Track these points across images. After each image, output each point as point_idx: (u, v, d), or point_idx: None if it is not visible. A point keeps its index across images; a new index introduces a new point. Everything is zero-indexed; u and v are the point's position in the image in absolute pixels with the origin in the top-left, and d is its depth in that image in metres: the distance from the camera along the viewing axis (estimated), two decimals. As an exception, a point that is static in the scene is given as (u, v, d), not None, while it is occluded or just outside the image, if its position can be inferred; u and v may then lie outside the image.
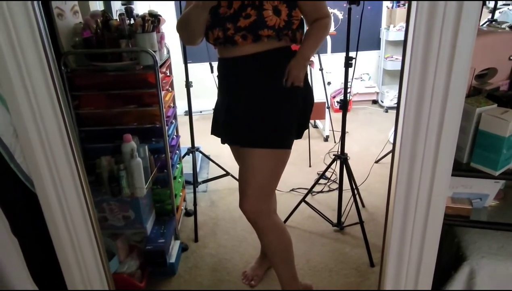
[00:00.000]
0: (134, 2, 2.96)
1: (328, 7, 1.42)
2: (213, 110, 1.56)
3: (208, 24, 1.31)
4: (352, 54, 1.85)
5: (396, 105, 3.69)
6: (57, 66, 1.65)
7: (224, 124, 1.43)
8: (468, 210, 1.06)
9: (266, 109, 1.33)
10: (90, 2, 2.10)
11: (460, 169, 1.02)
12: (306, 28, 1.38)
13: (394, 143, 0.92)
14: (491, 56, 1.06)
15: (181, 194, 2.28)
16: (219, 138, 1.54)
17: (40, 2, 0.75)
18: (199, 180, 2.71)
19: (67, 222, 0.82)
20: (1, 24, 0.66)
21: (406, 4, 4.09)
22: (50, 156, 0.75)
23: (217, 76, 1.47)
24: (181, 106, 3.38)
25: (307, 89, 1.42)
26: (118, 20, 1.77)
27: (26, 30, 0.68)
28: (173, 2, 4.15)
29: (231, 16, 1.25)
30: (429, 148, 0.83)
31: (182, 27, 1.38)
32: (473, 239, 1.23)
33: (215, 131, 1.56)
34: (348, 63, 1.84)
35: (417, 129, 0.82)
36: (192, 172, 2.42)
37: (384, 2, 4.22)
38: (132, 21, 1.81)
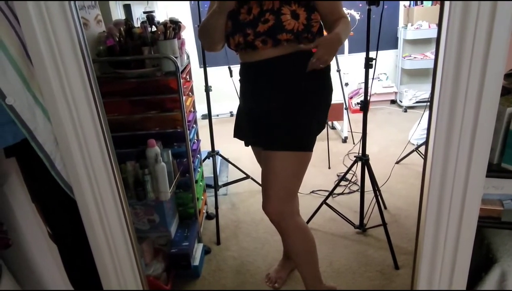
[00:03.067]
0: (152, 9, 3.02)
1: (344, 8, 1.42)
2: (236, 114, 1.58)
3: (229, 30, 1.34)
4: (371, 54, 1.84)
5: (416, 104, 3.60)
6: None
7: (247, 127, 1.46)
8: (499, 211, 1.05)
9: (287, 111, 1.34)
10: (112, 10, 2.15)
11: (491, 170, 1.00)
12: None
13: (426, 144, 0.91)
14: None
15: (202, 197, 2.31)
16: (240, 142, 1.56)
17: (77, 10, 0.78)
18: (219, 183, 2.74)
19: (104, 226, 0.84)
20: (44, 37, 0.69)
21: (424, 3, 4.04)
22: (89, 163, 0.78)
23: (239, 80, 1.50)
24: (199, 110, 3.42)
25: (328, 90, 1.42)
26: (140, 27, 1.81)
27: (67, 41, 0.71)
28: (189, 8, 4.21)
29: (250, 22, 1.28)
30: (463, 149, 0.82)
31: (203, 34, 1.42)
32: (504, 240, 1.20)
33: (237, 134, 1.58)
34: (368, 64, 1.83)
35: (450, 130, 0.81)
36: (212, 176, 2.45)
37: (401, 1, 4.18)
38: (153, 28, 1.84)
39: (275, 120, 1.35)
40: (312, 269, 1.58)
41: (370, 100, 4.25)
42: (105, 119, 0.81)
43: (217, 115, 4.41)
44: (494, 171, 1.01)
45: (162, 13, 3.65)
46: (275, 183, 1.38)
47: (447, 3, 0.75)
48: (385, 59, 4.37)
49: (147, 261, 1.75)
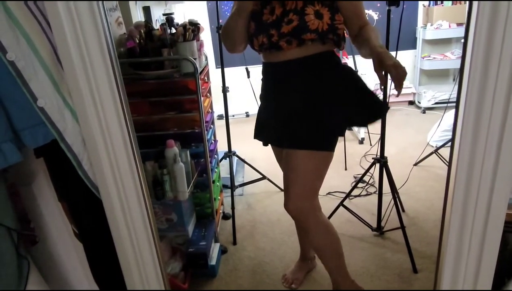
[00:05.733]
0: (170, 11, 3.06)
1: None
2: (257, 115, 1.59)
3: (253, 31, 1.35)
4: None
5: (435, 106, 3.53)
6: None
7: (269, 126, 1.47)
8: (524, 216, 1.02)
9: (310, 111, 1.34)
10: (132, 12, 2.19)
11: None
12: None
13: (452, 147, 0.90)
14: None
15: (219, 197, 2.32)
16: (257, 142, 1.57)
17: (105, 12, 0.80)
18: (236, 183, 2.76)
19: (129, 226, 0.86)
20: (74, 41, 0.71)
21: (444, 2, 3.96)
22: (115, 163, 0.80)
23: (262, 79, 1.49)
24: (215, 110, 3.45)
25: (350, 90, 1.40)
26: (160, 29, 1.84)
27: (95, 44, 0.73)
28: (206, 8, 4.24)
29: (274, 23, 1.28)
30: (490, 151, 0.80)
31: (224, 36, 1.45)
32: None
33: (258, 135, 1.58)
34: (387, 65, 1.80)
35: (477, 132, 0.80)
36: (228, 176, 2.46)
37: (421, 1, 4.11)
38: (173, 30, 1.87)
39: (298, 120, 1.35)
40: (337, 264, 1.58)
41: (388, 101, 4.22)
42: (131, 121, 0.83)
43: (233, 116, 4.44)
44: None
45: (179, 15, 3.70)
46: (296, 181, 1.39)
47: (475, 3, 0.74)
48: (403, 59, 4.31)
49: (165, 260, 1.77)
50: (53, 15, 0.71)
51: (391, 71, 1.09)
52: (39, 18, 0.84)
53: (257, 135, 1.59)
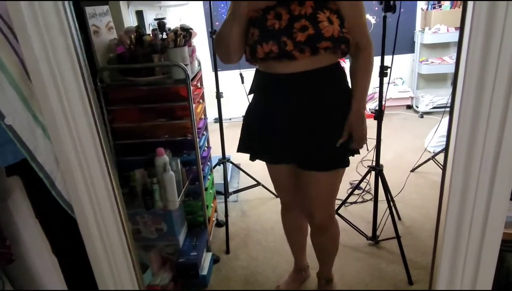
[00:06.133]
0: (165, 15, 3.02)
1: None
2: (244, 127, 1.47)
3: (257, 38, 1.22)
4: (386, 59, 1.78)
5: (433, 110, 3.49)
6: (93, 82, 1.70)
7: (269, 143, 1.37)
8: (521, 234, 0.98)
9: (329, 129, 1.30)
10: (124, 17, 2.15)
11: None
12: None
13: (445, 156, 0.86)
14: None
15: (212, 204, 2.28)
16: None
17: (76, 22, 0.76)
18: (230, 190, 2.72)
19: (106, 247, 0.82)
20: (43, 55, 0.67)
21: (442, 6, 3.93)
22: (90, 183, 0.76)
23: (256, 90, 1.38)
24: (211, 114, 3.40)
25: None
26: (151, 35, 1.80)
27: (66, 59, 0.69)
28: (202, 11, 4.21)
29: (285, 30, 1.17)
30: (487, 161, 0.76)
31: (218, 43, 1.32)
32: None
33: (246, 149, 1.47)
34: (383, 72, 1.77)
35: (473, 140, 0.75)
36: (222, 182, 2.42)
37: (418, 3, 4.08)
38: (165, 35, 1.83)
39: (318, 139, 1.29)
40: (333, 261, 1.74)
41: (385, 105, 4.18)
42: (106, 139, 0.79)
43: (229, 119, 4.40)
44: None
45: (175, 18, 3.66)
46: (322, 197, 1.43)
47: (470, 3, 0.69)
48: (401, 63, 4.28)
49: (154, 271, 1.74)
50: (19, 28, 0.67)
51: (355, 140, 1.30)
52: (5, 31, 0.80)
53: (244, 149, 1.47)
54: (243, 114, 1.47)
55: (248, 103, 1.46)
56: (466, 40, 0.73)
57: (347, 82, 1.35)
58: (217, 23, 3.92)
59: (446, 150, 0.88)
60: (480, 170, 0.79)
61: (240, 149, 1.49)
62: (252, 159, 1.49)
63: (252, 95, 1.44)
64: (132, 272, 0.91)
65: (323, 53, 1.19)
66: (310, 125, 1.28)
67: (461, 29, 0.75)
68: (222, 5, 4.11)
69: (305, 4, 1.17)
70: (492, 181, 0.79)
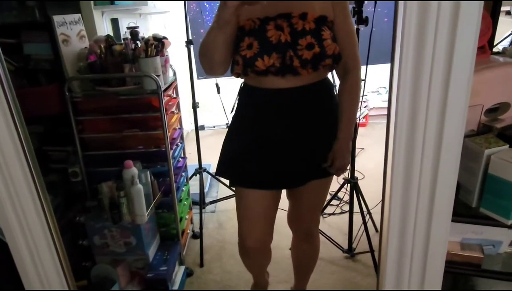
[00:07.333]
0: (147, 22, 2.98)
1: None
2: (226, 149, 1.34)
3: (257, 50, 1.12)
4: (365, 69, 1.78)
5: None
6: (62, 91, 1.65)
7: (261, 164, 1.26)
8: (479, 258, 0.97)
9: (324, 140, 1.29)
10: (99, 25, 2.12)
11: (469, 214, 0.93)
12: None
13: (384, 182, 0.84)
14: (502, 89, 0.97)
15: (187, 216, 2.25)
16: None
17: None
18: (208, 199, 2.69)
19: (39, 273, 0.78)
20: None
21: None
22: (17, 201, 0.72)
23: (246, 107, 1.29)
24: (193, 121, 3.37)
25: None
26: (122, 44, 1.77)
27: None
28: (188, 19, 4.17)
29: (290, 44, 1.11)
30: (424, 192, 0.74)
31: (201, 53, 1.19)
32: (489, 284, 1.12)
33: (225, 173, 1.36)
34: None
35: (411, 151, 0.74)
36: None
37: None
38: (139, 44, 1.80)
39: (314, 148, 1.27)
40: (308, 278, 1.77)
41: (369, 114, 4.19)
42: (34, 160, 0.75)
43: (214, 127, 4.37)
44: (472, 216, 0.93)
45: (159, 26, 3.62)
46: (316, 208, 1.49)
47: (401, 3, 0.65)
48: (384, 72, 4.29)
49: (122, 286, 1.69)
50: None
51: (335, 167, 1.29)
52: None
53: (224, 173, 1.35)
54: (227, 122, 1.43)
55: (230, 122, 1.36)
56: (399, 44, 0.70)
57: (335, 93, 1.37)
58: (202, 31, 3.90)
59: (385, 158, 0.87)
60: (420, 175, 0.76)
61: (221, 173, 1.35)
62: (234, 184, 1.38)
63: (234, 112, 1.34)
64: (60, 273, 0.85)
65: (322, 69, 1.16)
66: (309, 138, 1.25)
67: (394, 33, 0.73)
68: (207, 12, 4.09)
69: (307, 18, 1.11)
70: (432, 195, 0.76)
